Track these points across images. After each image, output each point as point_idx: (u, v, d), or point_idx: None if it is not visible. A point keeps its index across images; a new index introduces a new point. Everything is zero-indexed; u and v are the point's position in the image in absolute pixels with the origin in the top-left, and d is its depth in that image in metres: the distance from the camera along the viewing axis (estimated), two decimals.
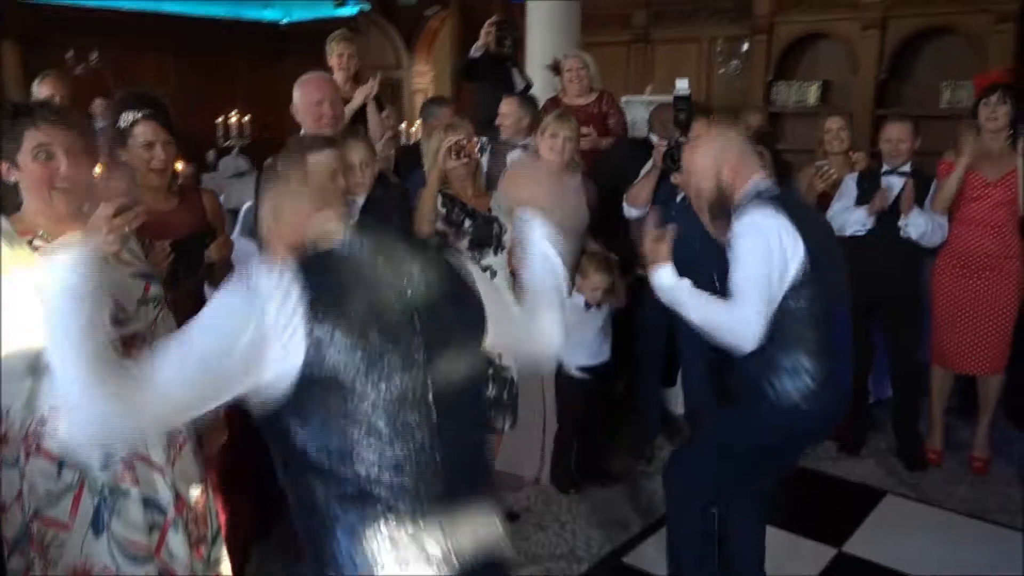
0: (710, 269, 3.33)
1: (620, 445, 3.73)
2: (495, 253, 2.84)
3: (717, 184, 2.22)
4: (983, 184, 3.19)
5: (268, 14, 10.28)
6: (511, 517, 3.12)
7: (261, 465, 2.80)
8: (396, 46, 9.01)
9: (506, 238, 2.85)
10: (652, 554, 2.94)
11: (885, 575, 2.82)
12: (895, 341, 3.54)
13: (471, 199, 2.81)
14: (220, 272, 2.34)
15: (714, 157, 2.23)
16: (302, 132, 2.87)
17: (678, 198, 3.27)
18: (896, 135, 3.32)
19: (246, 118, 7.84)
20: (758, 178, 2.20)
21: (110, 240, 1.56)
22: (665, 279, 2.30)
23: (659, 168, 3.20)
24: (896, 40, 5.64)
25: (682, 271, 3.32)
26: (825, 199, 3.53)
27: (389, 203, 2.62)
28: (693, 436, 2.67)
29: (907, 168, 3.36)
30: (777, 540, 3.03)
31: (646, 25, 7.07)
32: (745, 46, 6.52)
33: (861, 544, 3.01)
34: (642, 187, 3.31)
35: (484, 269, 2.81)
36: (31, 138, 1.68)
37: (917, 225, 3.21)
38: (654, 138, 3.87)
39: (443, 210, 2.74)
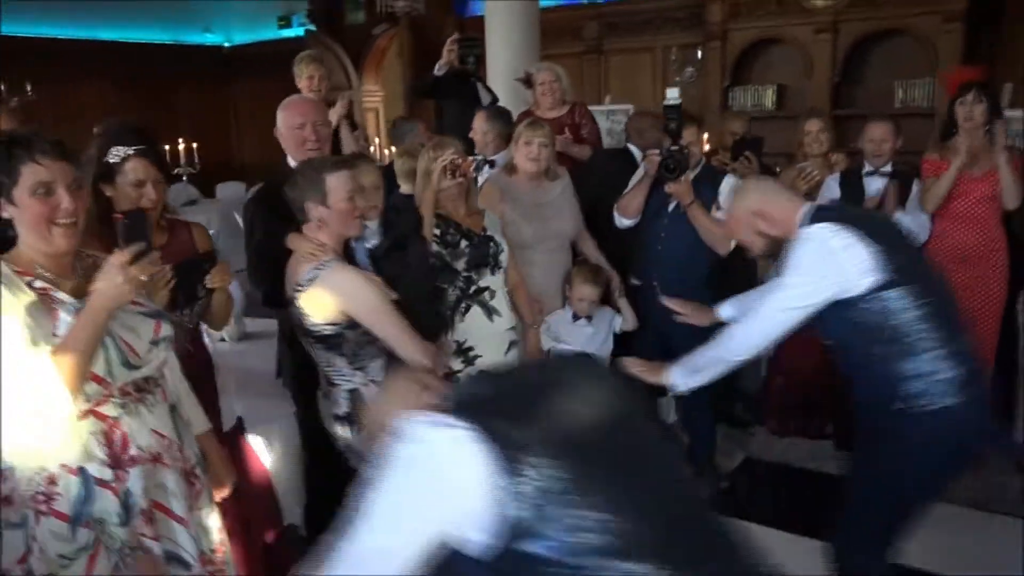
0: (701, 271, 3.35)
1: None
2: (492, 273, 2.77)
3: (765, 240, 2.14)
4: (967, 180, 3.25)
5: (209, 38, 10.07)
6: None
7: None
8: (344, 65, 8.89)
9: (502, 257, 2.79)
10: None
11: (889, 569, 2.83)
12: None
13: (464, 219, 2.74)
14: (220, 306, 2.22)
15: (746, 224, 2.15)
16: (287, 158, 2.76)
17: (670, 207, 3.27)
18: (879, 135, 3.37)
19: (194, 145, 7.67)
20: (801, 212, 2.07)
21: (126, 291, 1.48)
22: (678, 380, 2.19)
23: (651, 177, 3.18)
24: (848, 43, 5.77)
25: (674, 276, 3.33)
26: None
27: (406, 225, 2.54)
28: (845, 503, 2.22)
29: (888, 168, 3.41)
30: (779, 541, 3.02)
31: (598, 36, 7.12)
32: (699, 53, 6.61)
33: None
34: (633, 196, 3.28)
35: (482, 290, 2.74)
36: (31, 173, 1.55)
37: (903, 225, 3.25)
38: (634, 148, 3.87)
39: (437, 231, 2.66)
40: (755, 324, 2.07)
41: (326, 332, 2.09)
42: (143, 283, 1.56)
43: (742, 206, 2.17)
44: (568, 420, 1.19)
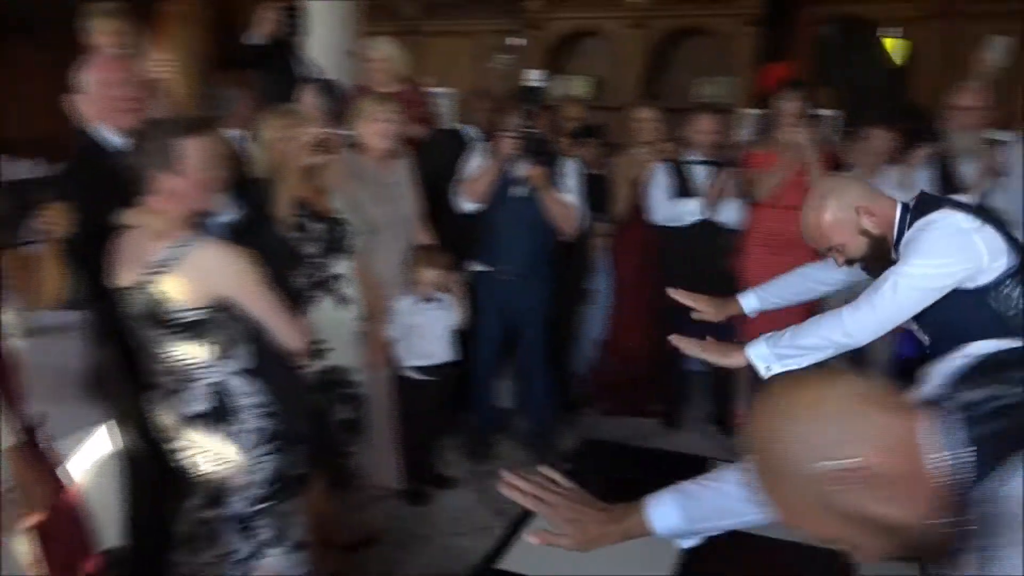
0: (545, 255, 3.33)
1: (457, 447, 3.62)
2: (342, 258, 2.57)
3: (868, 240, 1.94)
4: (790, 174, 3.49)
5: None
6: (369, 542, 2.89)
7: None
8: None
9: (352, 241, 2.60)
10: (522, 556, 2.86)
11: (735, 534, 3.00)
12: None
13: (314, 199, 2.51)
14: None
15: (848, 223, 1.93)
16: (93, 126, 2.38)
17: (512, 190, 3.23)
18: (707, 127, 3.54)
19: None
20: (899, 206, 1.93)
21: None
22: (771, 363, 1.93)
23: (503, 159, 3.11)
24: (656, 39, 6.05)
25: (519, 260, 3.30)
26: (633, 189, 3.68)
27: (256, 202, 2.26)
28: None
29: (715, 158, 3.60)
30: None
31: (417, 17, 6.96)
32: (517, 41, 6.64)
33: None
34: (481, 180, 3.20)
35: (333, 277, 2.54)
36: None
37: (728, 213, 3.45)
38: (467, 129, 3.79)
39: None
40: (874, 309, 1.87)
41: (191, 318, 1.81)
42: None
43: (842, 203, 1.94)
44: None
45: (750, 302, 2.33)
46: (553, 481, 1.40)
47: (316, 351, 2.48)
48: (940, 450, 0.89)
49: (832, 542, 0.94)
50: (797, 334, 1.91)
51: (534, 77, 3.06)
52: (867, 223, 1.92)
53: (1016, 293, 1.82)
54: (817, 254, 3.56)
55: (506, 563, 2.84)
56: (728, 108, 4.34)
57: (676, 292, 2.26)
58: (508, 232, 3.31)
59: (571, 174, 3.33)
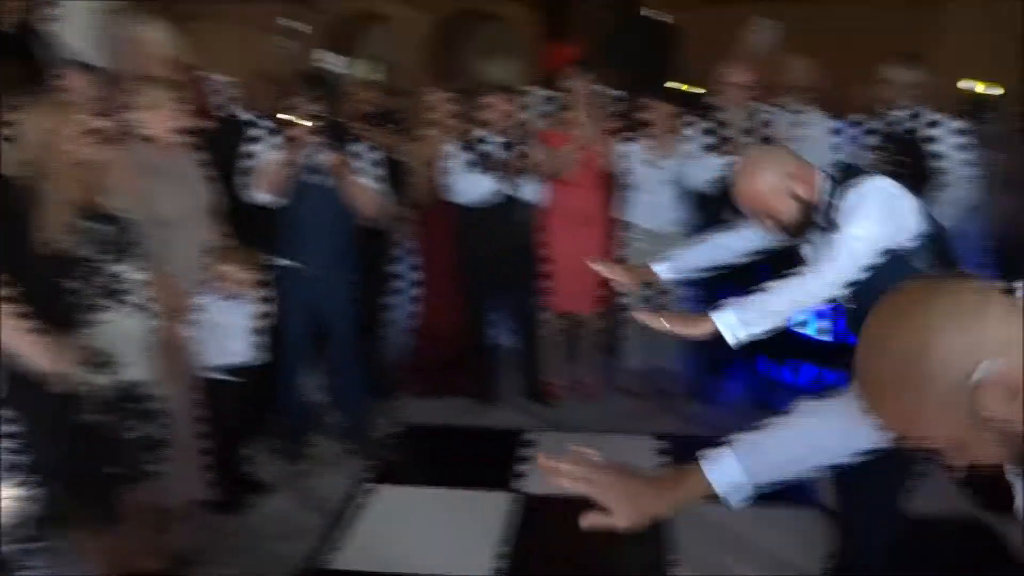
0: (345, 243, 3.25)
1: (270, 449, 3.48)
2: (130, 262, 2.33)
3: (799, 206, 2.04)
4: (584, 151, 3.66)
5: None
6: (185, 562, 2.70)
7: None
8: None
9: (141, 241, 2.37)
10: (346, 553, 2.82)
11: (561, 504, 3.12)
12: (518, 291, 3.90)
13: (94, 197, 2.26)
14: None
15: (780, 189, 2.03)
16: None
17: (313, 179, 3.12)
18: (499, 106, 3.61)
19: None
20: (820, 173, 2.06)
21: None
22: (739, 330, 1.97)
23: (297, 147, 2.99)
24: (441, 23, 6.09)
25: (320, 250, 3.19)
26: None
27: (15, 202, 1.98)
28: None
29: (508, 138, 3.69)
30: (453, 499, 3.17)
31: None
32: (298, 25, 6.41)
33: (527, 480, 3.28)
34: (276, 170, 3.06)
35: (123, 282, 2.28)
36: None
37: (527, 190, 3.56)
38: (250, 115, 3.60)
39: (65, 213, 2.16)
40: (836, 270, 1.97)
41: None
42: None
43: (776, 172, 2.04)
44: None
45: (664, 269, 2.40)
46: (590, 459, 1.27)
47: (103, 366, 2.26)
48: None
49: (943, 448, 0.95)
50: (764, 300, 1.99)
51: (329, 61, 2.96)
52: (798, 188, 2.03)
53: (930, 254, 1.99)
54: (608, 229, 3.82)
55: (336, 561, 2.79)
56: (517, 89, 4.46)
57: (595, 263, 2.36)
58: (310, 224, 3.20)
59: (368, 159, 3.27)
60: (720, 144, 3.62)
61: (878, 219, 1.96)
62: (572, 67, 3.64)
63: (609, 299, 3.95)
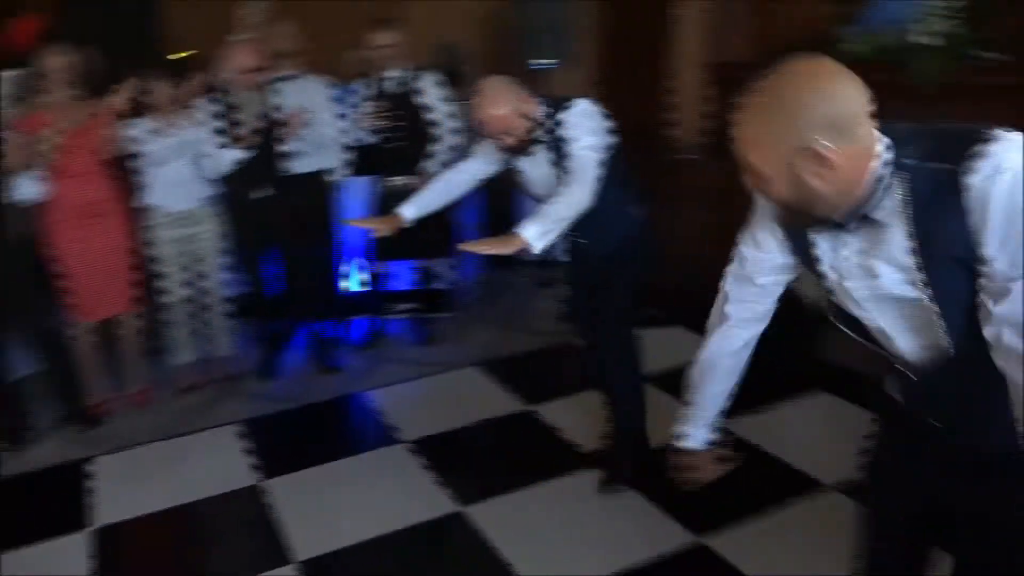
0: None
1: None
2: None
3: (526, 122, 2.57)
4: (71, 135, 3.22)
5: None
6: None
7: None
8: None
9: None
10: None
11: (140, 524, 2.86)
12: (30, 309, 3.37)
13: None
14: None
15: (514, 105, 2.55)
16: None
17: None
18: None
19: None
20: (536, 99, 2.59)
21: None
22: (536, 241, 2.44)
23: None
24: None
25: None
26: None
27: None
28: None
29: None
30: (25, 560, 2.71)
31: None
32: None
33: (98, 512, 2.94)
34: None
35: None
36: None
37: (25, 187, 3.03)
38: None
39: None
40: (586, 179, 2.47)
41: None
42: None
43: (510, 96, 2.51)
44: None
45: (410, 211, 2.77)
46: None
47: None
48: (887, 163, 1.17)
49: (757, 176, 1.20)
50: (550, 212, 2.42)
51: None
52: (528, 109, 2.51)
53: (615, 161, 2.63)
54: (126, 219, 3.49)
55: None
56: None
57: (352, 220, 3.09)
58: None
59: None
60: (234, 132, 3.54)
61: (597, 131, 2.52)
62: (41, 43, 3.17)
63: (143, 293, 3.63)
